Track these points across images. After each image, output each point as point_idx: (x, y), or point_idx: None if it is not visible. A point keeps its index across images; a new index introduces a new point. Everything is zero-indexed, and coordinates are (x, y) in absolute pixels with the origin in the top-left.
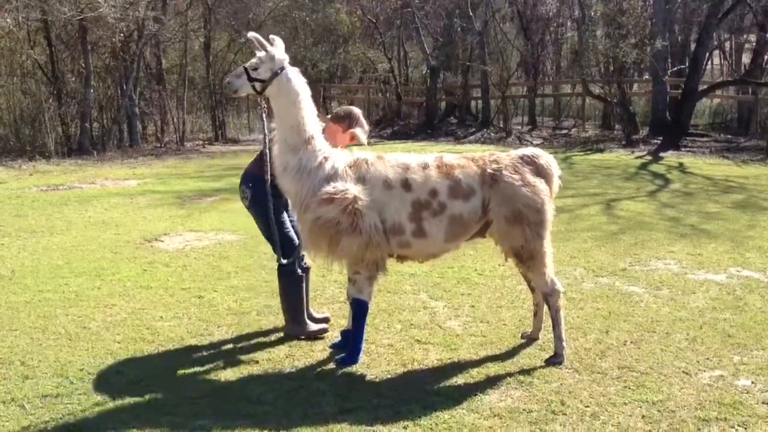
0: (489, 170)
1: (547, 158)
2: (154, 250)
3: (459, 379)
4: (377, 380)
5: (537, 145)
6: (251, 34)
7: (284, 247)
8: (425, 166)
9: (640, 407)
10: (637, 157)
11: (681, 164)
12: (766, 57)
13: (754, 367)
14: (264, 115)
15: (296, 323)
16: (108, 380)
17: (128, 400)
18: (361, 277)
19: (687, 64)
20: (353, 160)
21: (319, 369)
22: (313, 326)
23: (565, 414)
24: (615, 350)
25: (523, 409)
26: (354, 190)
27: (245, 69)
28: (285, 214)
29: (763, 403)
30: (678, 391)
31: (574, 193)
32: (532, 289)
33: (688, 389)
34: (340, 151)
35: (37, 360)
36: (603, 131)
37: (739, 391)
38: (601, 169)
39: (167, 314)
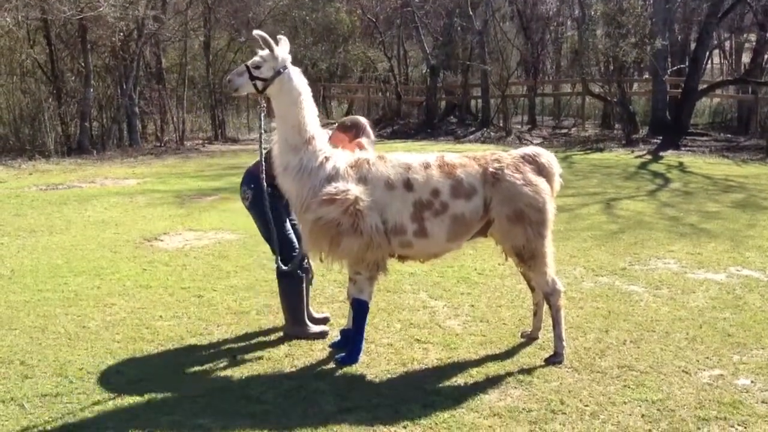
0: (491, 169)
1: (548, 157)
2: (154, 250)
3: (459, 379)
4: (377, 379)
5: (537, 145)
6: (257, 32)
7: (283, 249)
8: (427, 166)
9: (640, 406)
10: (636, 157)
11: (681, 163)
12: (766, 56)
13: (754, 366)
14: (263, 114)
15: (296, 323)
16: (107, 379)
17: (128, 400)
18: (361, 278)
19: (687, 64)
20: (354, 161)
21: (318, 368)
22: (314, 328)
23: (565, 413)
24: (615, 349)
25: (523, 409)
26: (355, 190)
27: (247, 67)
28: (285, 215)
29: (762, 402)
30: (678, 390)
31: (574, 193)
32: (532, 289)
33: (687, 388)
34: (341, 151)
35: (37, 359)
36: (603, 130)
37: (738, 391)
38: (601, 168)
39: (167, 313)
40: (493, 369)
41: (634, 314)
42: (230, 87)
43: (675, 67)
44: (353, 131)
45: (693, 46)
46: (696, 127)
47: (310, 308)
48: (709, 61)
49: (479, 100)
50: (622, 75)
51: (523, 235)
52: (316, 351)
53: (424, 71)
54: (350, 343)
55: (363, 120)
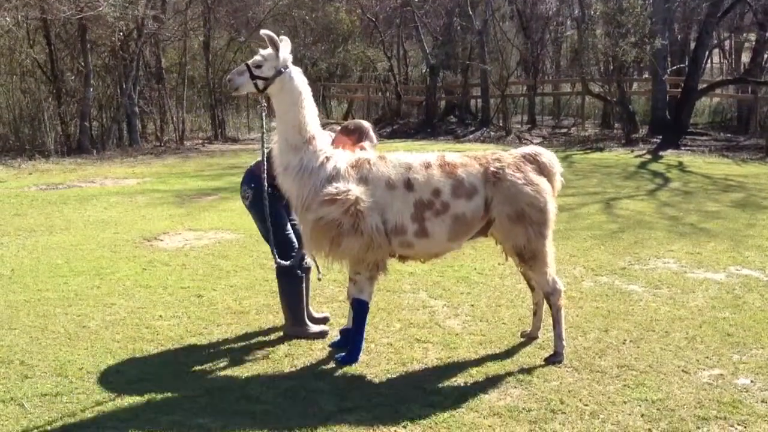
0: (492, 169)
1: (548, 156)
2: (154, 249)
3: (458, 378)
4: (377, 379)
5: (537, 144)
6: (264, 32)
7: (283, 249)
8: (428, 166)
9: (640, 406)
10: (636, 156)
11: (680, 163)
12: (765, 56)
13: (754, 365)
14: (263, 114)
15: (296, 323)
16: (107, 379)
17: (128, 399)
18: (361, 277)
19: (687, 63)
20: (355, 161)
21: (318, 368)
22: (314, 328)
23: (565, 413)
24: (614, 349)
25: (523, 408)
26: (356, 190)
27: (248, 66)
28: (285, 215)
29: (762, 401)
30: (677, 389)
31: (574, 192)
32: (532, 288)
33: (687, 388)
34: (341, 151)
35: (37, 359)
36: (603, 130)
37: (738, 390)
38: (601, 167)
39: (167, 313)
40: (492, 368)
41: (633, 314)
42: (231, 86)
43: (675, 67)
44: (356, 135)
45: (693, 45)
46: (696, 126)
47: (310, 308)
48: (709, 61)
49: (479, 100)
50: (622, 74)
51: (524, 235)
52: (316, 351)
53: (423, 71)
54: (350, 342)
55: (366, 124)
